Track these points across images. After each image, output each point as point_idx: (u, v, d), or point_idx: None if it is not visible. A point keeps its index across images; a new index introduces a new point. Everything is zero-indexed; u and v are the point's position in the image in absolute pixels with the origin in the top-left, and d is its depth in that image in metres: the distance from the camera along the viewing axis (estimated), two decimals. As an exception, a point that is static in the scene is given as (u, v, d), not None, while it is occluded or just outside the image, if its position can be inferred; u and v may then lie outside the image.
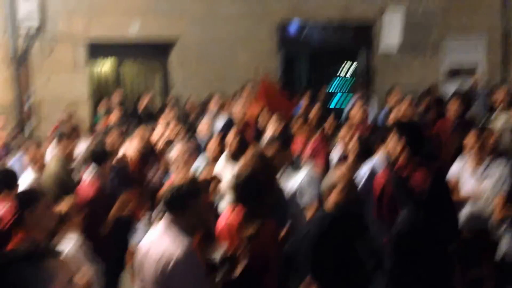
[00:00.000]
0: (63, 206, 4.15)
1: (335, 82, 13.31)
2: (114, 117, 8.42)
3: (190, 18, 10.13)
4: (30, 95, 9.06)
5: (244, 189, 3.99)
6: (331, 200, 3.69)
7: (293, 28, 11.50)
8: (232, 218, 4.00)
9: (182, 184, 3.46)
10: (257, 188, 4.02)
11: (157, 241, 3.33)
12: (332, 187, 3.71)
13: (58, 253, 1.92)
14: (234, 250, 3.84)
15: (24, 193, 3.89)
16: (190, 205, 3.34)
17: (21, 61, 8.96)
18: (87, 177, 5.08)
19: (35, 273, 1.79)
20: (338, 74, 13.52)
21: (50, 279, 1.80)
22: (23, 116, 8.99)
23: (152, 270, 3.23)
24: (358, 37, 12.01)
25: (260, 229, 3.87)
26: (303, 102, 9.95)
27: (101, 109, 9.20)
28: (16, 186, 4.68)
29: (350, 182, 3.78)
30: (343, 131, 6.46)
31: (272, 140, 5.41)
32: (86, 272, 3.66)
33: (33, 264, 1.81)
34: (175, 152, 5.13)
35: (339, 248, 3.58)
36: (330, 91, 12.72)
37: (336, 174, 3.79)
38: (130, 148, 6.13)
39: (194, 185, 3.51)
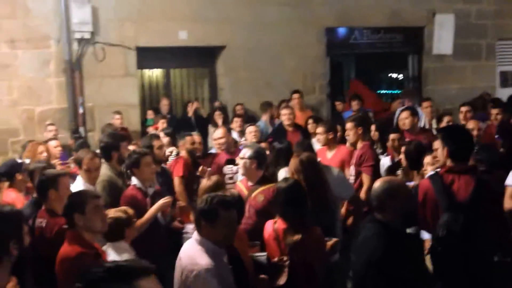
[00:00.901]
0: (121, 212, 4.54)
1: (384, 88, 13.49)
2: (162, 122, 8.88)
3: (237, 25, 10.66)
4: (83, 101, 9.53)
5: (284, 201, 4.23)
6: (390, 210, 3.70)
7: (341, 33, 11.89)
8: (277, 225, 4.27)
9: (215, 194, 3.66)
10: (298, 199, 4.23)
11: (187, 249, 3.54)
12: (390, 196, 3.69)
13: (151, 270, 1.79)
14: (278, 258, 4.11)
15: (74, 195, 4.14)
16: (221, 216, 3.49)
17: (74, 68, 9.60)
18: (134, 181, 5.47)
19: None
20: (387, 79, 13.69)
21: None
22: (77, 122, 9.46)
23: (178, 278, 3.48)
24: (408, 41, 12.34)
25: (304, 237, 4.07)
26: (354, 108, 10.19)
27: (151, 114, 9.68)
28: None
29: (409, 192, 3.88)
30: (392, 138, 6.71)
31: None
32: None
33: (126, 283, 1.68)
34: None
35: (404, 262, 3.57)
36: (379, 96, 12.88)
37: (393, 183, 3.82)
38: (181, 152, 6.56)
39: (225, 197, 3.70)
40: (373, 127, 7.47)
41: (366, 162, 6.42)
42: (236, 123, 8.81)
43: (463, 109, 8.34)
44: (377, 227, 3.68)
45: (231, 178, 6.75)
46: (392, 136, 6.96)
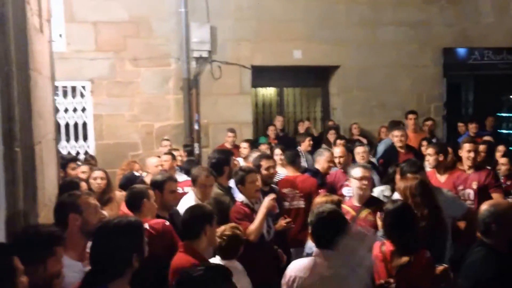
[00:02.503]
0: (237, 229, 4.92)
1: (505, 111, 13.50)
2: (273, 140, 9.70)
3: (352, 44, 11.71)
4: (199, 118, 10.68)
5: (392, 224, 4.49)
6: (497, 234, 3.79)
7: (460, 53, 12.51)
8: (385, 247, 4.51)
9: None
10: (405, 221, 4.46)
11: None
12: (496, 221, 3.77)
13: (231, 275, 2.47)
14: (385, 280, 4.34)
15: (201, 207, 4.77)
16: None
17: (192, 85, 10.86)
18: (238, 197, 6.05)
19: None
20: (508, 102, 13.68)
21: None
22: (192, 138, 10.59)
23: None
24: (531, 62, 12.88)
25: (411, 260, 4.28)
26: (470, 131, 10.44)
27: (271, 133, 10.88)
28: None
29: None
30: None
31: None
32: None
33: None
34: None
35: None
36: (499, 119, 13.05)
37: (499, 207, 3.88)
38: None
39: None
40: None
41: (495, 183, 6.68)
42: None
43: None
44: (485, 250, 3.78)
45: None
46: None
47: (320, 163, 7.80)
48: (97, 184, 6.69)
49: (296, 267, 4.03)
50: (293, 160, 7.40)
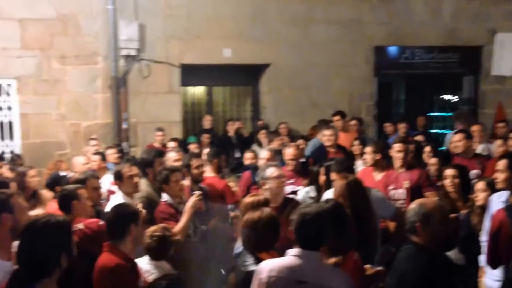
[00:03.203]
0: (166, 230, 5.34)
1: (436, 110, 14.93)
2: (206, 137, 10.97)
3: (283, 43, 12.86)
4: (128, 117, 11.84)
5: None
6: (423, 233, 4.12)
7: (391, 52, 13.72)
8: None
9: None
10: (338, 222, 4.59)
11: None
12: (422, 220, 4.10)
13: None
14: None
15: (126, 206, 5.09)
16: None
17: (120, 84, 11.92)
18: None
19: None
20: (440, 101, 15.12)
21: None
22: (121, 137, 11.78)
23: None
24: (464, 61, 14.06)
25: (340, 262, 4.49)
26: (400, 131, 11.90)
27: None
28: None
29: (444, 216, 4.21)
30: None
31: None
32: None
33: None
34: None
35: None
36: (430, 119, 14.51)
37: (426, 206, 4.19)
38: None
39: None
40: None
41: (428, 182, 7.42)
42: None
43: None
44: (413, 248, 4.13)
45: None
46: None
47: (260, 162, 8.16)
48: (37, 181, 7.55)
49: (276, 266, 4.15)
50: (209, 160, 8.18)
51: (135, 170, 6.66)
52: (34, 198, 7.35)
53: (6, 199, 4.55)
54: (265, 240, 4.63)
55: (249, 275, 4.33)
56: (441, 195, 6.83)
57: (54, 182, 7.33)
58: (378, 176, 7.80)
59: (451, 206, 6.49)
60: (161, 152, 8.03)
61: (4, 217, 4.35)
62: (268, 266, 4.16)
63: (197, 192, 6.42)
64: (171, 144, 10.33)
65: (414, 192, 7.12)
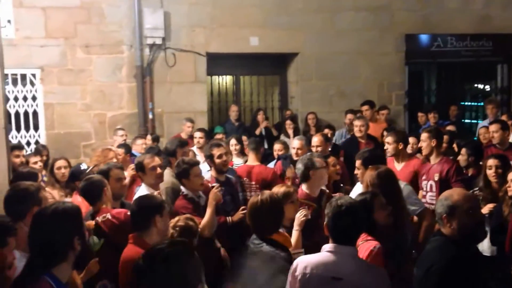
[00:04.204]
0: (190, 220, 5.25)
1: (468, 99, 14.54)
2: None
3: (311, 31, 12.59)
4: (153, 106, 11.61)
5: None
6: (452, 225, 4.00)
7: (422, 40, 13.40)
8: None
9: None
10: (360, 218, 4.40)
11: None
12: (450, 211, 3.98)
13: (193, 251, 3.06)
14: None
15: (151, 197, 5.07)
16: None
17: (145, 73, 11.70)
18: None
19: None
20: (472, 90, 14.72)
21: None
22: (146, 127, 11.55)
23: None
24: (498, 49, 13.71)
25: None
26: (431, 120, 11.57)
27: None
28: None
29: (473, 208, 4.07)
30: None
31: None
32: None
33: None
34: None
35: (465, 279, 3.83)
36: (462, 108, 14.22)
37: (455, 197, 4.06)
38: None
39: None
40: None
41: (458, 176, 7.21)
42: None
43: None
44: (441, 240, 4.04)
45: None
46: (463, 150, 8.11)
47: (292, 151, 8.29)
48: (62, 174, 7.38)
49: (311, 263, 4.12)
50: (254, 147, 8.07)
51: (157, 160, 6.54)
52: (68, 188, 7.28)
53: (36, 192, 4.67)
54: (269, 223, 4.79)
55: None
56: (481, 185, 6.68)
57: (74, 177, 7.15)
58: (399, 166, 7.72)
59: (492, 196, 6.46)
60: (183, 142, 7.85)
61: (35, 210, 4.22)
62: (303, 263, 4.15)
63: (216, 185, 6.38)
64: (198, 135, 10.23)
65: (444, 185, 6.99)
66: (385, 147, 7.94)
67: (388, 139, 7.84)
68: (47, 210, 3.53)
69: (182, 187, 6.42)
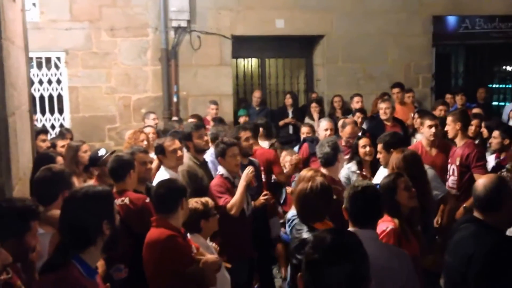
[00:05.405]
0: (200, 204, 5.24)
1: (496, 82, 14.30)
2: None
3: (337, 13, 12.39)
4: (178, 90, 11.45)
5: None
6: (503, 210, 3.89)
7: (450, 21, 13.19)
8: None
9: None
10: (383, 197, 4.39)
11: None
12: (506, 195, 3.88)
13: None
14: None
15: (175, 181, 5.14)
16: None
17: (170, 56, 11.55)
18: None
19: None
20: (501, 73, 14.47)
21: None
22: (171, 110, 11.35)
23: None
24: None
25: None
26: (458, 103, 11.27)
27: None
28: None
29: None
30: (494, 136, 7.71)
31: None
32: None
33: None
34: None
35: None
36: (491, 91, 13.80)
37: (505, 180, 4.04)
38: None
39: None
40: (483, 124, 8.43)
41: (478, 161, 7.01)
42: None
43: None
44: (475, 226, 3.93)
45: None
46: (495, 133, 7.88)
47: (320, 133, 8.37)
48: (86, 158, 7.12)
49: None
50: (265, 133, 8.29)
51: (177, 143, 6.57)
52: (86, 172, 7.10)
53: (68, 176, 4.76)
54: (318, 210, 4.66)
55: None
56: (508, 166, 6.62)
57: (91, 162, 6.91)
58: (434, 151, 7.60)
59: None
60: (198, 125, 7.60)
61: (65, 194, 4.12)
62: None
63: (251, 167, 6.44)
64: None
65: (464, 169, 7.05)
66: (445, 128, 7.57)
67: (448, 119, 7.45)
68: (78, 193, 3.44)
69: (219, 167, 6.55)
